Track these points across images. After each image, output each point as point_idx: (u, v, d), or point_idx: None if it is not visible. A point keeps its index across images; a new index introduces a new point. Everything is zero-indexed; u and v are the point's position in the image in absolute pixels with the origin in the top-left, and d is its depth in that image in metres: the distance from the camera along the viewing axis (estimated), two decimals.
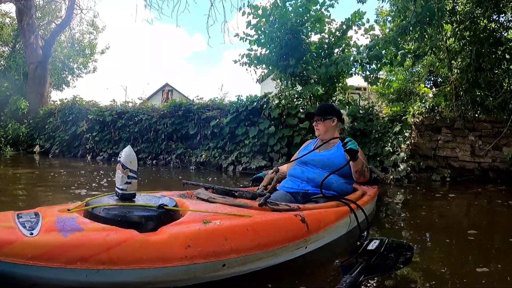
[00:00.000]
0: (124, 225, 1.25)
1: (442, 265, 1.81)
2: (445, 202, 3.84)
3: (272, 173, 2.67)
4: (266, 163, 6.04)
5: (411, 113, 5.76)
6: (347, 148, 1.99)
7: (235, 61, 6.49)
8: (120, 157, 1.46)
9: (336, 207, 2.06)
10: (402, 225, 2.75)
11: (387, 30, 5.89)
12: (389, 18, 6.30)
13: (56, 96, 16.30)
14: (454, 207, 3.71)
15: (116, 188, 1.47)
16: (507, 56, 5.93)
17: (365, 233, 2.16)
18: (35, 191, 3.81)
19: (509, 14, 6.11)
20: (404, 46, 5.29)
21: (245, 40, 6.29)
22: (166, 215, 1.39)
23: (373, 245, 1.63)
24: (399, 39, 5.09)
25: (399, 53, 5.36)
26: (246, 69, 6.47)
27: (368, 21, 6.12)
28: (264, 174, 2.79)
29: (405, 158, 5.20)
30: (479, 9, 5.91)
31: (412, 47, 5.41)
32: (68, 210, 1.38)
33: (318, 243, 1.80)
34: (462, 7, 6.00)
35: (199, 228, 1.31)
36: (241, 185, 3.15)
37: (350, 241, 2.07)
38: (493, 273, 1.66)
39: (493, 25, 6.08)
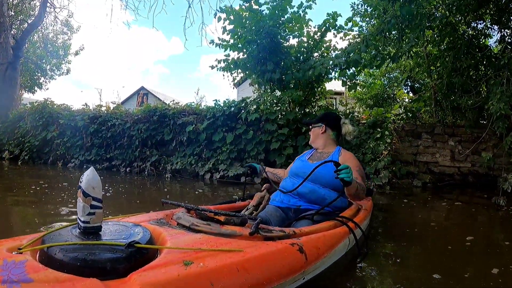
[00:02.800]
0: (84, 272, 1.01)
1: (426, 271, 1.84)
2: (428, 209, 3.86)
3: (263, 190, 2.44)
4: (244, 170, 5.82)
5: (391, 118, 5.68)
6: (339, 177, 1.77)
7: (212, 67, 6.26)
8: (81, 182, 1.18)
9: (334, 227, 1.89)
10: (392, 233, 2.67)
11: (364, 29, 5.77)
12: (366, 20, 6.18)
13: (28, 99, 15.67)
14: (435, 213, 3.66)
15: (78, 220, 1.21)
16: (485, 62, 5.93)
17: (366, 251, 2.06)
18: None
19: (488, 21, 6.11)
20: (382, 48, 5.18)
21: (221, 47, 6.05)
22: (138, 255, 1.13)
23: None
24: (376, 41, 4.97)
25: (378, 54, 5.24)
26: (223, 75, 6.26)
27: (346, 23, 5.99)
28: (259, 168, 2.56)
29: (386, 164, 5.11)
30: (458, 16, 5.91)
31: (392, 50, 5.31)
32: (19, 249, 1.11)
33: (317, 271, 1.59)
34: (441, 11, 5.96)
35: (179, 274, 1.05)
36: (235, 197, 2.84)
37: (347, 261, 1.94)
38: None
39: (471, 32, 6.07)
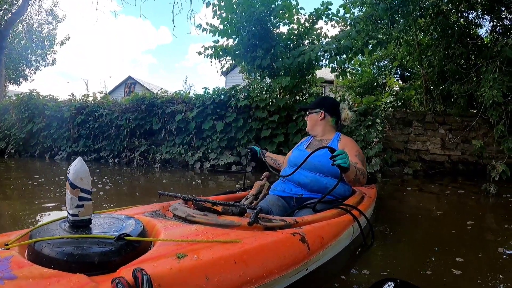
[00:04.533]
0: (72, 267, 0.95)
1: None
2: (422, 196, 3.87)
3: (263, 179, 2.34)
4: (235, 159, 5.76)
5: (382, 106, 5.65)
6: (335, 163, 1.68)
7: (199, 53, 6.12)
8: (68, 173, 1.11)
9: (337, 216, 1.79)
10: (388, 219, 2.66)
11: (355, 14, 5.69)
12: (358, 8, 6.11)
13: (13, 91, 15.31)
14: (430, 200, 3.67)
15: (67, 213, 1.14)
16: (476, 52, 5.93)
17: (372, 241, 1.99)
18: None
19: (479, 11, 6.11)
20: (373, 34, 5.12)
21: (209, 32, 5.91)
22: (129, 249, 1.06)
23: None
24: (367, 26, 4.92)
25: (369, 41, 5.19)
26: (211, 62, 6.13)
27: (338, 11, 5.92)
28: (259, 152, 2.49)
29: (378, 152, 5.08)
30: (451, 5, 5.89)
31: (383, 37, 5.26)
32: (6, 245, 1.06)
33: (320, 261, 1.51)
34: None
35: (171, 268, 0.97)
36: (237, 186, 2.73)
37: (352, 250, 1.87)
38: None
39: (462, 22, 6.07)
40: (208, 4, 5.70)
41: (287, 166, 2.29)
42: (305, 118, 2.40)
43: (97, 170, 5.59)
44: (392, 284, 1.36)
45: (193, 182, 4.75)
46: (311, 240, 1.41)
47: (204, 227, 1.34)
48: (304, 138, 2.48)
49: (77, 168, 1.11)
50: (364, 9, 5.78)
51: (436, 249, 1.98)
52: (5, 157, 8.03)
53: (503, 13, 5.77)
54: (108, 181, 4.38)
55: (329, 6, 5.91)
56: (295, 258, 1.30)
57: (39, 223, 1.19)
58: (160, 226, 1.31)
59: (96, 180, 4.33)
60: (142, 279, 0.87)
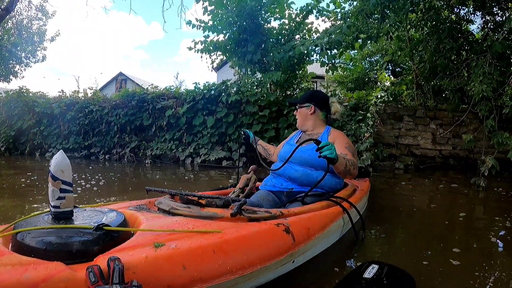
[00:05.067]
0: (51, 256, 0.97)
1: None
2: (413, 190, 3.88)
3: (249, 172, 2.29)
4: (226, 154, 5.73)
5: (373, 100, 5.65)
6: (321, 155, 1.65)
7: (190, 48, 6.07)
8: (50, 165, 1.14)
9: (326, 207, 1.76)
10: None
11: (346, 9, 5.67)
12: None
13: (3, 89, 15.12)
14: (421, 194, 3.68)
15: (49, 205, 1.17)
16: (467, 47, 5.95)
17: (362, 234, 1.96)
18: None
19: (470, 7, 6.12)
20: (364, 29, 5.11)
21: (199, 28, 5.86)
22: (107, 238, 1.08)
23: (370, 272, 1.31)
24: (357, 21, 4.91)
25: (360, 35, 5.17)
26: (201, 57, 6.08)
27: (328, 6, 5.91)
28: (252, 137, 2.48)
29: (369, 146, 5.08)
30: (442, 0, 5.90)
31: (374, 31, 5.24)
32: None
33: (308, 254, 1.49)
34: None
35: (147, 256, 0.97)
36: (231, 181, 2.70)
37: (344, 246, 1.84)
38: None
39: (454, 18, 6.08)
40: (198, 0, 5.65)
41: (277, 161, 2.27)
42: (294, 113, 2.38)
43: (90, 167, 5.52)
44: (376, 266, 1.36)
45: (186, 177, 4.72)
46: (296, 231, 1.38)
47: (186, 219, 1.33)
48: (295, 132, 2.47)
49: (58, 160, 1.14)
50: (355, 3, 5.78)
51: (432, 240, 2.02)
52: None
53: (495, 9, 5.79)
54: (101, 177, 4.33)
55: (320, 1, 5.90)
56: (279, 249, 1.28)
57: (24, 217, 1.21)
58: (142, 218, 1.33)
59: (89, 177, 4.27)
60: (113, 268, 0.88)
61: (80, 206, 1.37)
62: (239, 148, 2.98)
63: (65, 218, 1.15)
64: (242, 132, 2.53)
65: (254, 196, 2.07)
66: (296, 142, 2.26)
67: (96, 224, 1.08)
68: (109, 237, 1.08)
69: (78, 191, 3.36)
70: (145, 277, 0.92)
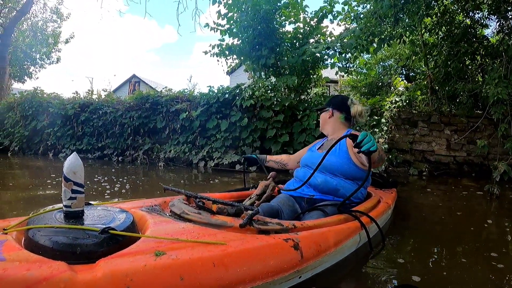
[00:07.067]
0: (56, 255, 1.01)
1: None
2: (430, 196, 3.81)
3: (269, 179, 2.24)
4: (239, 158, 5.75)
5: (387, 106, 5.62)
6: (362, 150, 1.53)
7: (206, 52, 6.13)
8: (63, 167, 1.19)
9: (344, 222, 1.69)
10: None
11: (360, 10, 5.66)
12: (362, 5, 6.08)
13: (18, 89, 15.36)
14: (437, 201, 3.62)
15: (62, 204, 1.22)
16: (482, 52, 5.90)
17: (381, 247, 1.88)
18: None
19: (485, 11, 6.07)
20: (377, 32, 5.10)
21: (216, 31, 5.92)
22: (112, 242, 1.11)
23: None
24: (371, 23, 4.89)
25: (372, 39, 5.16)
26: (217, 60, 6.14)
27: (344, 10, 5.90)
28: (261, 158, 2.45)
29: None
30: (457, 4, 5.87)
31: (388, 34, 5.22)
32: (4, 229, 1.13)
33: (317, 269, 1.44)
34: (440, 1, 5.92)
35: (146, 264, 0.99)
36: (251, 185, 2.57)
37: (359, 257, 1.75)
38: None
39: (468, 22, 6.04)
40: (214, 2, 5.69)
41: (300, 166, 2.25)
42: (319, 119, 2.36)
43: (113, 170, 5.55)
44: None
45: (199, 180, 4.74)
46: (306, 247, 1.35)
47: (193, 226, 1.33)
48: (320, 139, 2.42)
49: (71, 162, 1.18)
50: (368, 6, 5.77)
51: (463, 246, 1.99)
52: (9, 154, 8.04)
53: (510, 13, 5.73)
54: (125, 180, 4.37)
55: (334, 4, 5.89)
56: (284, 265, 1.25)
57: (38, 212, 1.26)
58: (150, 222, 1.33)
59: (122, 180, 4.32)
60: None
61: (94, 203, 1.42)
62: (243, 169, 2.97)
63: (75, 217, 1.20)
64: (243, 160, 2.54)
65: (275, 199, 2.05)
66: (318, 149, 2.23)
67: (103, 227, 1.11)
68: (114, 241, 1.11)
69: (106, 195, 3.37)
70: (141, 284, 0.94)
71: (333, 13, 5.99)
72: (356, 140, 1.54)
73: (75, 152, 1.27)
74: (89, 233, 1.09)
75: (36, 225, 1.12)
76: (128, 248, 1.09)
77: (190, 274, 1.02)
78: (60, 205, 1.25)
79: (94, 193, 3.46)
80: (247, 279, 1.12)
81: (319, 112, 2.32)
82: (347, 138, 1.63)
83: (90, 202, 1.42)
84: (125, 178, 4.57)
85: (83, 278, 0.91)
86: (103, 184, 3.93)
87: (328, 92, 8.33)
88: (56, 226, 1.11)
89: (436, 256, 1.89)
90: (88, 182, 3.99)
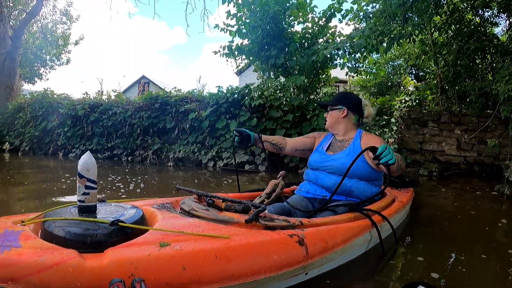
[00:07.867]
0: (68, 244, 1.10)
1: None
2: (441, 197, 3.81)
3: (278, 178, 2.24)
4: (248, 158, 5.76)
5: (397, 105, 5.60)
6: (381, 162, 1.60)
7: (215, 52, 6.16)
8: (78, 165, 1.29)
9: (353, 220, 1.69)
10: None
11: (369, 9, 5.65)
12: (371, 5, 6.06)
13: (28, 90, 15.54)
14: (449, 201, 3.62)
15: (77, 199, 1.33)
16: (493, 51, 5.86)
17: (394, 248, 1.86)
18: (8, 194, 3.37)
19: (495, 9, 6.03)
20: (386, 31, 5.08)
21: (226, 31, 5.96)
22: (120, 233, 1.18)
23: None
24: (380, 22, 4.88)
25: (381, 38, 5.15)
26: (227, 60, 6.17)
27: (352, 10, 5.89)
28: (254, 136, 2.17)
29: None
30: (466, 3, 5.84)
31: (397, 34, 5.20)
32: (22, 221, 1.24)
33: (325, 267, 1.46)
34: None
35: (150, 254, 1.05)
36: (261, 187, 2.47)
37: (370, 258, 1.74)
38: None
39: (478, 20, 6.00)
40: (224, 1, 5.73)
41: (308, 168, 2.23)
42: (325, 115, 2.27)
43: (126, 170, 5.61)
44: None
45: (209, 179, 4.75)
46: (312, 244, 1.36)
47: (200, 221, 1.37)
48: (323, 135, 2.32)
49: (85, 160, 1.27)
50: (377, 5, 5.77)
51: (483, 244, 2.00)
52: (19, 154, 8.14)
53: None
54: (139, 180, 4.41)
55: (342, 2, 5.89)
56: (288, 260, 1.26)
57: (54, 207, 1.35)
58: (159, 217, 1.38)
59: (135, 180, 4.37)
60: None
61: (108, 200, 1.49)
62: (233, 144, 2.85)
63: (88, 211, 1.29)
64: (236, 134, 2.15)
65: (289, 200, 2.05)
66: (326, 150, 2.17)
67: (112, 220, 1.18)
68: (123, 232, 1.18)
69: (121, 194, 3.41)
70: (145, 272, 1.00)
71: (342, 13, 5.99)
72: (375, 153, 1.60)
73: (88, 151, 1.35)
74: (99, 225, 1.17)
75: (51, 218, 1.21)
76: (135, 239, 1.15)
77: (192, 264, 1.07)
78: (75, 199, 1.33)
79: (109, 191, 3.51)
80: (250, 272, 1.15)
81: (328, 108, 2.24)
82: (370, 149, 1.64)
83: (103, 200, 1.49)
84: (139, 178, 4.62)
85: (90, 265, 0.98)
86: (116, 184, 3.97)
87: (337, 92, 8.33)
88: (70, 218, 1.20)
89: (453, 255, 1.90)
90: (101, 182, 4.04)
